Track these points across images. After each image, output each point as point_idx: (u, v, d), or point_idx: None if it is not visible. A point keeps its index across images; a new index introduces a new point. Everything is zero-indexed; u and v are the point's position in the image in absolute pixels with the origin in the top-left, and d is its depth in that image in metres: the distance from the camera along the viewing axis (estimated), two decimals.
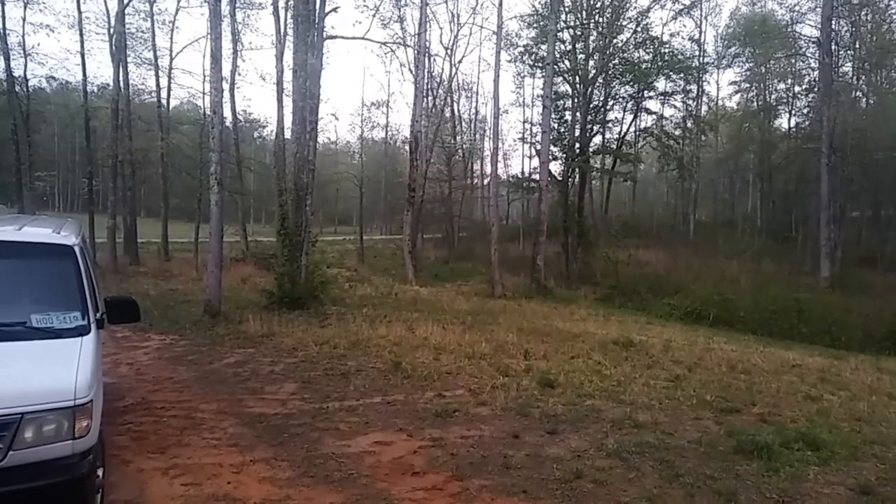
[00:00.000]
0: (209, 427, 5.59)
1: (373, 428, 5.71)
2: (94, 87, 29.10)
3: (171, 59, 26.82)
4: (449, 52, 33.89)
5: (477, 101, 41.36)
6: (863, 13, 30.78)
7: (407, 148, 30.15)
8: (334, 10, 14.60)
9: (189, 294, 14.53)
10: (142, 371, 7.67)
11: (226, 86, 22.06)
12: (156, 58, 26.06)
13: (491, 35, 29.56)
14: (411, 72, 28.50)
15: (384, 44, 29.84)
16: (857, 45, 31.52)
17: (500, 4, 22.26)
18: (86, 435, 3.34)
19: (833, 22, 25.47)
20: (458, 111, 38.85)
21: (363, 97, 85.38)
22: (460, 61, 34.63)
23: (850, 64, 32.26)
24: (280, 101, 17.13)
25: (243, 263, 21.40)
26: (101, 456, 3.78)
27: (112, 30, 22.44)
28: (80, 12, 22.07)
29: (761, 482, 4.67)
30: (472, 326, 11.18)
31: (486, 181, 39.64)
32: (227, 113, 24.50)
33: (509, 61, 31.20)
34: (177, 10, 26.68)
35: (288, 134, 15.51)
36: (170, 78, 26.92)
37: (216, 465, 4.70)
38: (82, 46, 22.24)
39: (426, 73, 28.83)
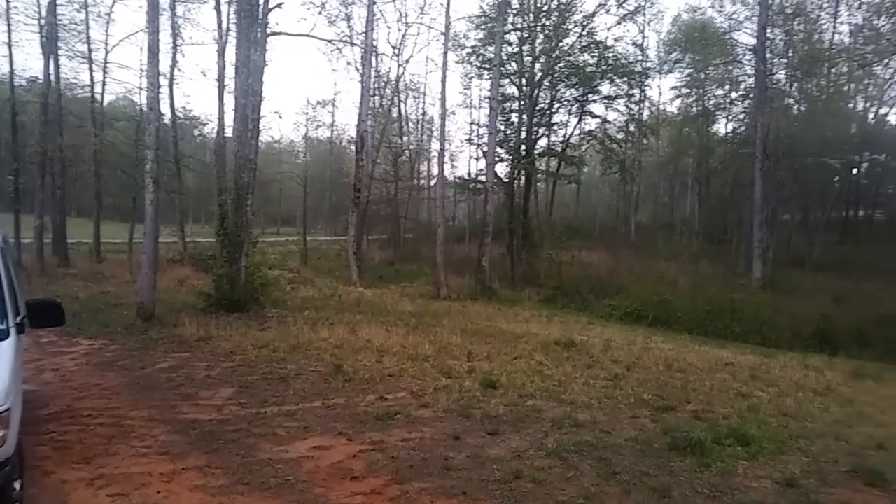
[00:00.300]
0: (139, 435, 5.36)
1: (312, 433, 5.60)
2: (22, 81, 27.50)
3: (107, 53, 25.76)
4: (396, 51, 33.73)
5: (424, 102, 41.40)
6: (795, 22, 32.16)
7: (353, 147, 29.89)
8: (278, 5, 14.26)
9: (122, 297, 13.96)
10: (67, 377, 7.31)
11: (164, 81, 21.32)
12: (90, 51, 24.97)
13: (438, 35, 29.47)
14: (358, 70, 28.17)
15: (330, 41, 29.36)
16: (790, 54, 32.86)
17: (448, 5, 22.29)
18: (1, 445, 3.16)
19: (768, 30, 26.50)
20: (406, 111, 38.80)
21: (308, 95, 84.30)
22: (408, 61, 34.73)
23: (783, 72, 33.64)
24: (221, 98, 16.66)
25: (180, 265, 20.73)
26: (20, 467, 3.56)
27: (43, 20, 21.38)
28: (7, 1, 21.00)
29: (694, 478, 4.78)
30: (415, 328, 11.13)
31: (432, 182, 39.70)
32: (166, 109, 23.74)
33: (457, 62, 31.33)
34: (113, 2, 25.87)
35: (229, 132, 15.10)
36: (105, 72, 25.82)
37: (145, 474, 4.51)
38: (9, 37, 21.09)
39: (373, 73, 28.66)
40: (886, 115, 37.31)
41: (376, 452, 5.12)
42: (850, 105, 36.30)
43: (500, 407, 6.49)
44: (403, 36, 33.85)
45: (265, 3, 13.73)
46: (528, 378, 7.75)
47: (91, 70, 25.22)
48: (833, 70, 33.55)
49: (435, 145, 36.19)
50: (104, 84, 26.29)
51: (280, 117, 53.47)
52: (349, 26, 29.83)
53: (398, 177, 35.74)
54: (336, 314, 12.84)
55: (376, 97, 32.62)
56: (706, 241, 34.44)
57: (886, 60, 30.32)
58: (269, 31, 14.37)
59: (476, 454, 5.14)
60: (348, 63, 39.78)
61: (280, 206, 54.19)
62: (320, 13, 24.32)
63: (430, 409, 6.42)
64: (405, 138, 38.11)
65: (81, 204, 47.29)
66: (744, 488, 4.64)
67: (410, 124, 40.23)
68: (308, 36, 17.49)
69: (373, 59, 26.84)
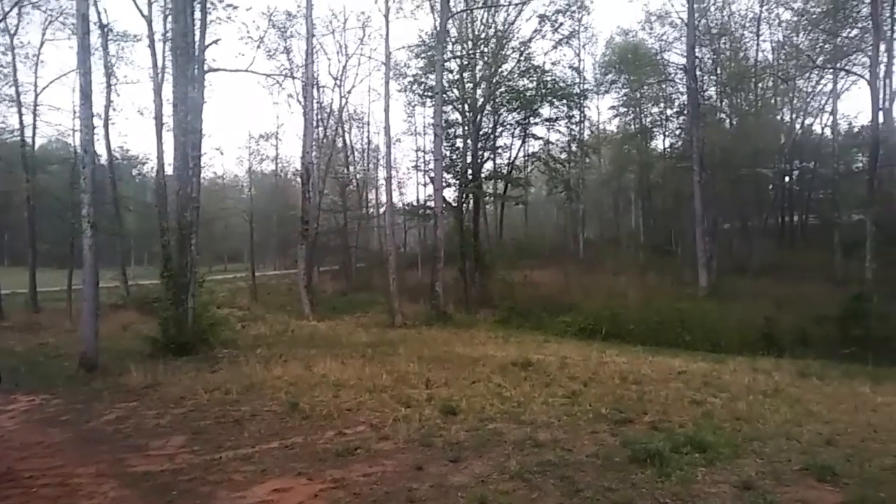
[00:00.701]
0: (87, 493, 5.08)
1: (270, 475, 5.41)
2: None
3: (37, 96, 25.06)
4: (338, 82, 33.89)
5: (369, 131, 41.54)
6: (721, 41, 33.70)
7: (298, 180, 29.63)
8: (215, 42, 14.26)
9: (62, 347, 13.37)
10: (6, 437, 6.90)
11: (99, 122, 20.93)
12: (18, 94, 24.28)
13: (380, 65, 29.79)
14: (300, 103, 28.04)
15: (269, 76, 29.33)
16: (719, 71, 34.37)
17: (388, 36, 22.65)
18: None
19: (697, 50, 27.66)
20: (351, 141, 38.82)
21: (251, 129, 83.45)
22: (350, 91, 34.78)
23: (714, 88, 35.13)
24: (160, 136, 16.45)
25: (124, 310, 20.09)
26: None
27: None
28: None
29: (655, 488, 4.81)
30: (372, 359, 10.98)
31: (381, 210, 39.63)
32: (102, 150, 23.25)
33: (399, 91, 31.61)
34: (41, 44, 25.09)
35: (169, 170, 14.84)
36: (35, 115, 25.10)
37: None
38: None
39: (315, 104, 28.61)
40: (811, 125, 39.31)
41: (338, 490, 4.98)
42: (778, 117, 38.06)
43: (461, 433, 6.43)
44: (344, 67, 34.10)
45: (201, 40, 13.64)
46: (487, 401, 7.71)
47: (20, 113, 24.49)
48: (760, 85, 35.23)
49: (382, 173, 36.19)
50: (35, 127, 25.57)
51: (221, 153, 52.79)
52: (289, 59, 29.86)
53: (346, 206, 35.57)
54: (289, 350, 12.58)
55: (320, 128, 32.54)
56: (652, 253, 35.30)
57: (807, 74, 32.04)
58: (206, 67, 14.29)
59: (439, 483, 5.06)
60: (290, 95, 39.69)
61: (226, 242, 53.10)
62: (258, 48, 24.32)
63: (390, 440, 6.30)
64: (351, 168, 38.08)
65: (15, 252, 45.33)
66: (703, 494, 4.70)
67: (356, 154, 40.27)
68: (246, 71, 17.37)
69: (314, 90, 26.83)
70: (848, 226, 28.68)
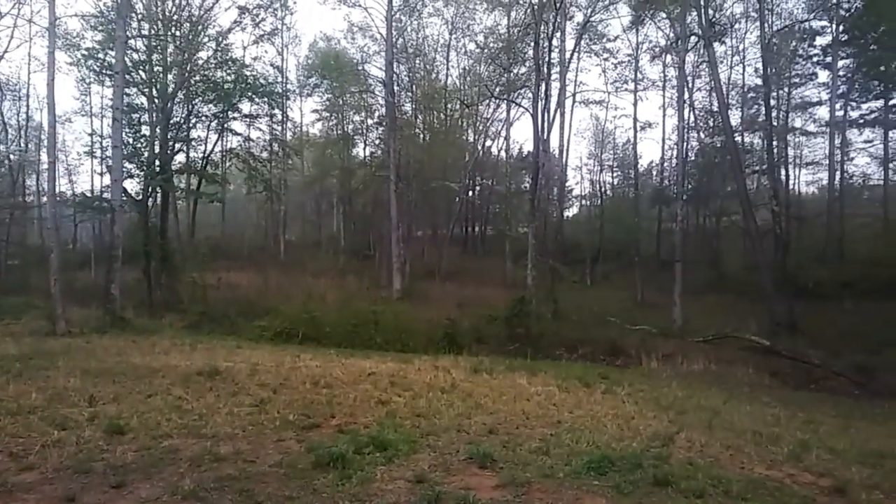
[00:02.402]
0: None
1: None
2: None
3: None
4: None
5: (28, 106, 35.15)
6: (417, 61, 36.32)
7: None
8: None
9: None
10: None
11: None
12: None
13: (43, 32, 25.49)
14: None
15: None
16: (415, 89, 36.99)
17: None
18: None
19: (395, 66, 29.32)
20: (3, 114, 32.41)
21: None
22: (1, 56, 28.96)
23: (409, 104, 37.68)
24: None
25: None
26: None
27: None
28: None
29: (336, 492, 4.83)
30: (19, 375, 9.18)
31: (44, 200, 33.84)
32: None
33: (71, 64, 27.56)
34: None
35: None
36: None
37: None
38: None
39: None
40: (490, 147, 44.71)
41: None
42: (464, 137, 42.45)
43: (128, 454, 5.68)
44: None
45: None
46: (163, 416, 6.98)
47: None
48: (449, 106, 38.81)
49: (45, 157, 31.00)
50: None
51: None
52: None
53: None
54: None
55: None
56: (352, 257, 36.52)
57: (486, 102, 36.29)
58: None
59: None
60: None
61: None
62: None
63: (35, 470, 5.28)
64: (2, 147, 31.84)
65: None
66: (381, 492, 4.84)
67: (10, 131, 33.76)
68: None
69: None
70: (516, 238, 33.10)
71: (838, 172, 33.17)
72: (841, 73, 31.45)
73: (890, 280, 22.29)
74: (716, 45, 26.92)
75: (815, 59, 32.96)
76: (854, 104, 33.08)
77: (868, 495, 5.32)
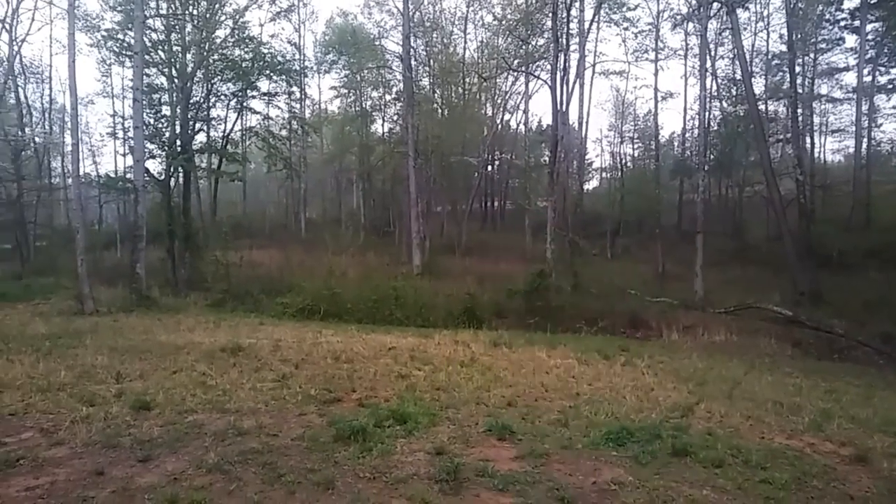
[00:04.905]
0: None
1: None
2: None
3: None
4: (7, 27, 28.43)
5: (51, 88, 35.54)
6: (434, 35, 35.95)
7: None
8: None
9: None
10: None
11: None
12: None
13: (63, 13, 25.66)
14: None
15: None
16: (432, 63, 36.67)
17: None
18: None
19: (412, 40, 29.03)
20: (27, 98, 32.88)
21: None
22: (24, 39, 29.28)
23: (427, 78, 37.40)
24: None
25: None
26: None
27: None
28: None
29: (357, 464, 4.93)
30: (49, 353, 9.44)
31: (69, 181, 34.37)
32: None
33: (91, 46, 27.70)
34: None
35: None
36: None
37: None
38: None
39: None
40: (509, 120, 44.30)
41: None
42: (482, 111, 42.08)
43: (154, 429, 5.84)
44: (16, 10, 28.75)
45: None
46: (188, 392, 7.15)
47: None
48: (467, 80, 38.43)
49: (69, 139, 31.45)
50: None
51: None
52: None
53: (21, 175, 30.09)
54: None
55: None
56: (372, 233, 36.67)
57: (504, 75, 35.84)
58: None
59: (124, 487, 4.53)
60: None
61: None
62: None
63: (65, 445, 5.46)
64: (28, 130, 32.31)
65: None
66: (401, 464, 4.94)
67: (35, 113, 34.25)
68: None
69: None
70: (535, 212, 32.90)
71: (865, 139, 32.35)
72: (869, 37, 30.43)
73: None
74: (739, 11, 26.23)
75: (842, 23, 31.84)
76: (883, 69, 32.17)
77: (890, 464, 5.29)
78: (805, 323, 16.75)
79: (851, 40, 32.41)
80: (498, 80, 37.90)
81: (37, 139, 32.70)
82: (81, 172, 25.33)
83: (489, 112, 42.59)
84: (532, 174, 37.58)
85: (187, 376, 8.00)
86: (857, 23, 30.06)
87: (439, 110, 38.01)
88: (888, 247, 23.44)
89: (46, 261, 26.81)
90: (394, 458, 5.06)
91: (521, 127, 43.78)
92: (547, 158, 32.13)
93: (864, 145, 32.35)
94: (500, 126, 42.38)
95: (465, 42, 39.40)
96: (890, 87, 32.37)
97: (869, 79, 31.93)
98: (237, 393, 7.17)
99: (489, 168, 43.08)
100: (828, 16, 32.29)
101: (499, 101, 41.53)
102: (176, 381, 7.75)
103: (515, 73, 34.81)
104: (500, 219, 44.37)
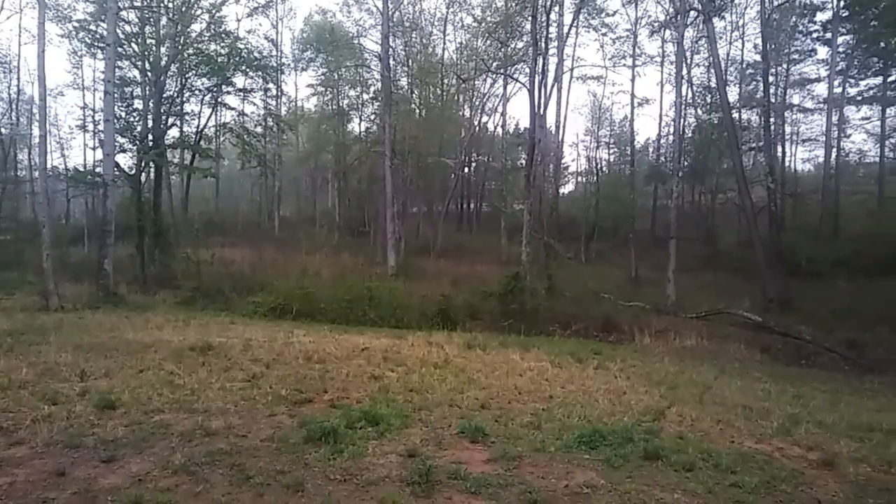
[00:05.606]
0: None
1: None
2: None
3: None
4: None
5: (20, 79, 34.66)
6: (413, 35, 35.86)
7: None
8: None
9: None
10: None
11: None
12: None
13: (34, 1, 25.07)
14: None
15: None
16: (411, 63, 36.57)
17: None
18: None
19: (391, 39, 28.91)
20: None
21: None
22: None
23: (405, 79, 37.29)
24: None
25: None
26: None
27: None
28: None
29: (327, 466, 4.85)
30: (10, 350, 9.17)
31: (35, 174, 33.53)
32: None
33: (62, 36, 27.08)
34: None
35: None
36: None
37: None
38: None
39: None
40: (486, 122, 44.37)
41: None
42: (460, 113, 42.09)
43: (119, 429, 5.68)
44: None
45: None
46: (155, 391, 6.98)
47: None
48: (445, 81, 38.41)
49: (37, 130, 30.68)
50: None
51: None
52: None
53: None
54: None
55: None
56: (347, 233, 36.46)
57: (483, 77, 35.91)
58: None
59: (86, 489, 4.39)
60: None
61: None
62: None
63: (25, 445, 5.29)
64: None
65: None
66: (372, 466, 4.88)
67: (1, 104, 33.39)
68: None
69: None
70: (511, 214, 32.98)
71: (835, 149, 33.05)
72: (840, 49, 31.16)
73: (883, 257, 22.37)
74: (715, 20, 26.61)
75: (814, 34, 32.63)
76: (853, 81, 32.97)
77: (856, 468, 5.37)
78: (774, 329, 17.07)
79: (823, 52, 33.28)
80: (476, 82, 37.98)
81: (3, 130, 31.87)
82: (49, 165, 24.82)
83: (467, 114, 42.65)
84: (509, 177, 37.67)
85: (154, 375, 7.82)
86: (829, 35, 30.74)
87: (417, 111, 37.91)
88: (855, 256, 24.01)
89: (11, 255, 26.11)
90: (365, 460, 4.99)
91: (499, 129, 43.93)
92: (524, 161, 32.27)
93: (833, 155, 33.06)
94: (477, 128, 42.43)
95: (445, 43, 39.40)
96: (859, 98, 33.22)
97: (839, 90, 32.68)
98: (206, 393, 7.02)
99: (466, 170, 43.11)
100: (801, 27, 33.03)
101: (477, 102, 41.64)
102: (142, 379, 7.57)
103: (494, 76, 34.93)
104: (476, 221, 44.42)
